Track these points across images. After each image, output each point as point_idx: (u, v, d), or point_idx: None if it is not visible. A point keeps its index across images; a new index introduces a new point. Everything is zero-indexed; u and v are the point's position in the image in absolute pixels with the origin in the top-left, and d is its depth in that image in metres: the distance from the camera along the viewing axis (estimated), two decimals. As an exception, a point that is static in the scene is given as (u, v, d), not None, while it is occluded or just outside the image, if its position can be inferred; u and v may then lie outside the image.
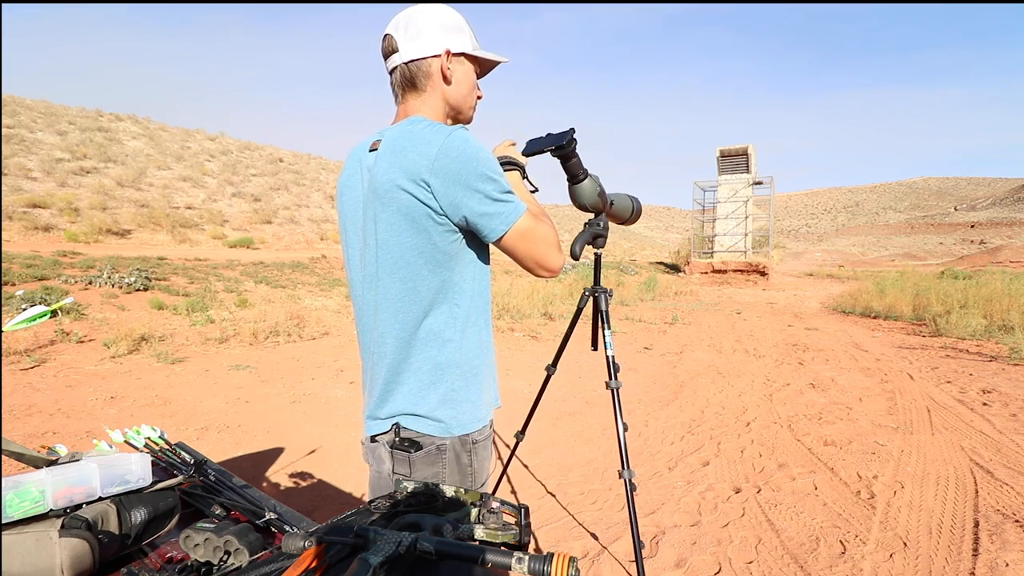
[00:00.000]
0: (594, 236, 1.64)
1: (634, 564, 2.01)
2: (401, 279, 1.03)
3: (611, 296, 1.89)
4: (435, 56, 1.08)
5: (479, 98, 1.21)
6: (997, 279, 13.21)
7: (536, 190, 1.25)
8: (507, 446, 3.53)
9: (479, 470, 1.12)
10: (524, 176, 1.23)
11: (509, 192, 1.01)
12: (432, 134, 0.99)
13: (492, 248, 1.13)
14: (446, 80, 1.10)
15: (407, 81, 1.10)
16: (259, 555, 0.77)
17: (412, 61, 1.08)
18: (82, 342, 5.79)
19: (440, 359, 1.05)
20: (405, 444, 1.06)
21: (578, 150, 1.41)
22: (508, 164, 1.20)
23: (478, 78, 1.19)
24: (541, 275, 1.09)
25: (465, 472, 1.10)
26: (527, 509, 0.69)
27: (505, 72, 1.19)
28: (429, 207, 0.98)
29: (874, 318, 10.74)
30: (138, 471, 0.86)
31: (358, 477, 3.03)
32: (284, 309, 7.98)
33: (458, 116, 1.17)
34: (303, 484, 2.95)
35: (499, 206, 0.99)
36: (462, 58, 1.11)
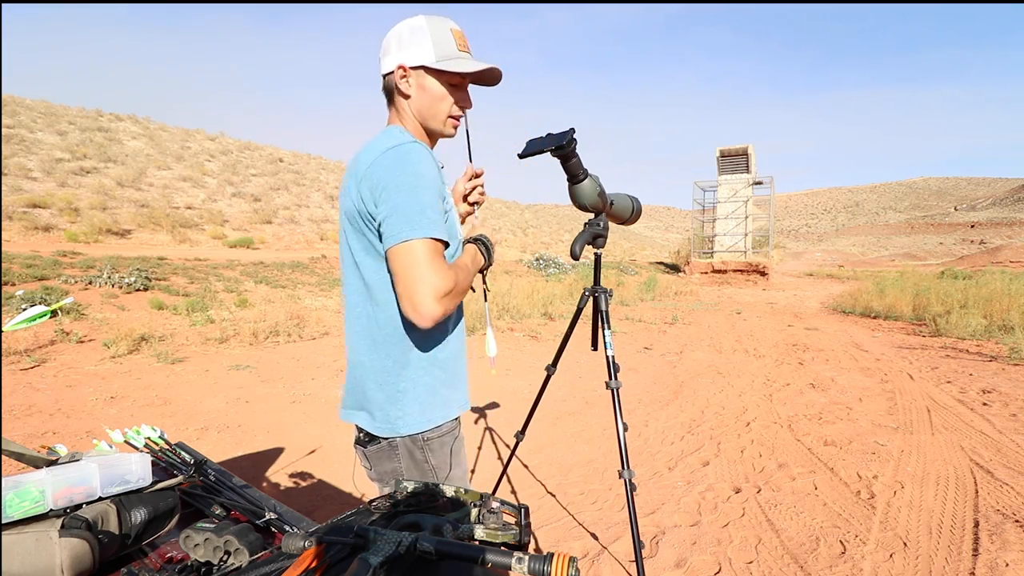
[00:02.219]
0: (594, 236, 1.64)
1: (634, 564, 2.01)
2: (357, 278, 1.11)
3: (611, 296, 1.89)
4: (392, 72, 1.13)
5: (464, 108, 1.18)
6: (997, 279, 13.20)
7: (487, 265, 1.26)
8: (507, 446, 3.53)
9: (439, 466, 1.16)
10: (485, 253, 1.23)
11: (423, 215, 0.98)
12: (382, 142, 1.06)
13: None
14: (403, 94, 1.14)
15: (385, 94, 1.18)
16: (259, 555, 0.77)
17: (384, 76, 1.15)
18: (82, 342, 5.79)
19: (389, 360, 1.10)
20: (363, 439, 1.15)
21: (578, 150, 1.41)
22: (473, 240, 1.24)
23: (462, 87, 1.16)
24: (407, 313, 1.00)
25: (423, 468, 1.15)
26: (527, 509, 0.69)
27: (506, 72, 1.18)
28: (364, 210, 1.04)
29: (874, 318, 10.74)
30: (138, 471, 0.86)
31: (358, 477, 3.03)
32: (284, 309, 7.98)
33: (427, 127, 1.17)
34: (303, 484, 2.95)
35: (399, 218, 0.98)
36: (422, 71, 1.11)
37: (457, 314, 1.19)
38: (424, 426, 1.12)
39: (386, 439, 1.12)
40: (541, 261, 19.98)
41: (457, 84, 1.15)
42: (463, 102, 1.17)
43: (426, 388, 1.13)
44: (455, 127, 1.20)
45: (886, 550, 2.30)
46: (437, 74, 1.12)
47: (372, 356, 1.11)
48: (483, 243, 1.23)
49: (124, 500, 0.81)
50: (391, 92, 1.16)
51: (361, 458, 1.19)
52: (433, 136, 1.21)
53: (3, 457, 0.88)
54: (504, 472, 2.63)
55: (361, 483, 2.96)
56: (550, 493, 2.89)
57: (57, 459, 0.89)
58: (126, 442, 1.18)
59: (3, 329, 0.99)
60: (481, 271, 1.23)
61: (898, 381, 5.33)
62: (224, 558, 0.76)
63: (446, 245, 1.04)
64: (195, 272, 10.17)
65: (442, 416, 1.15)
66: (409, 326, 1.09)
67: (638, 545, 1.63)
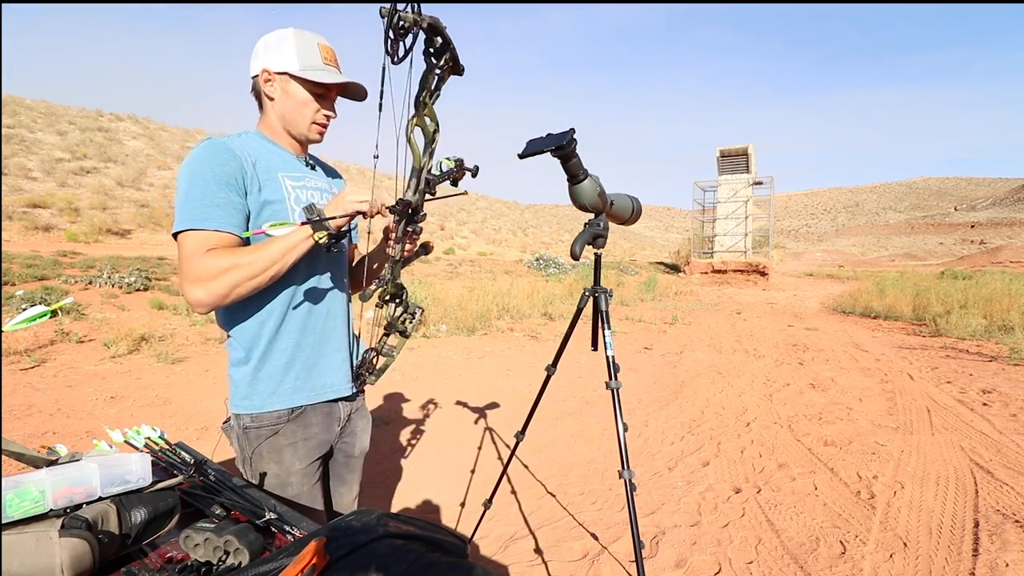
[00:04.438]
0: (594, 236, 1.64)
1: (634, 564, 2.01)
2: None
3: (611, 296, 1.89)
4: (257, 75, 1.20)
5: (329, 117, 1.26)
6: (997, 279, 13.21)
7: (329, 245, 1.07)
8: (507, 446, 3.52)
9: (255, 458, 1.21)
10: (320, 230, 1.04)
11: (186, 208, 1.08)
12: None
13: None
14: (268, 97, 1.22)
15: (254, 96, 1.25)
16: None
17: (252, 78, 1.21)
18: (82, 342, 5.79)
19: (227, 342, 1.23)
20: (227, 418, 1.25)
21: (578, 150, 1.41)
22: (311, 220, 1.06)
23: (327, 97, 1.23)
24: (187, 302, 1.12)
25: (243, 456, 1.23)
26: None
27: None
28: None
29: (874, 318, 10.74)
30: (138, 471, 0.86)
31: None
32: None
33: (291, 131, 1.25)
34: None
35: (177, 211, 1.09)
36: (287, 77, 1.18)
37: (284, 300, 1.19)
38: (246, 408, 1.20)
39: (231, 415, 1.24)
40: (541, 261, 19.98)
41: (322, 94, 1.22)
42: (328, 110, 1.25)
43: (245, 371, 1.20)
44: (320, 133, 1.26)
45: (886, 550, 2.30)
46: (302, 82, 1.19)
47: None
48: (310, 217, 1.05)
49: (124, 500, 0.81)
50: (258, 95, 1.23)
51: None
52: (299, 141, 1.27)
53: (3, 457, 0.88)
54: (504, 472, 2.63)
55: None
56: (550, 493, 2.89)
57: (57, 459, 0.89)
58: (126, 442, 1.18)
59: (3, 329, 0.99)
60: (314, 229, 1.05)
61: (898, 381, 5.33)
62: (223, 558, 0.76)
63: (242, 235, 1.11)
64: (195, 272, 10.18)
65: (262, 404, 1.20)
66: (238, 307, 1.17)
67: (638, 545, 1.63)
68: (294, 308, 1.22)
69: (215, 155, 1.11)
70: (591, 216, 1.62)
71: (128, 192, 17.49)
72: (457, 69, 1.00)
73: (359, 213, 1.09)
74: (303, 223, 1.05)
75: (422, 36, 0.93)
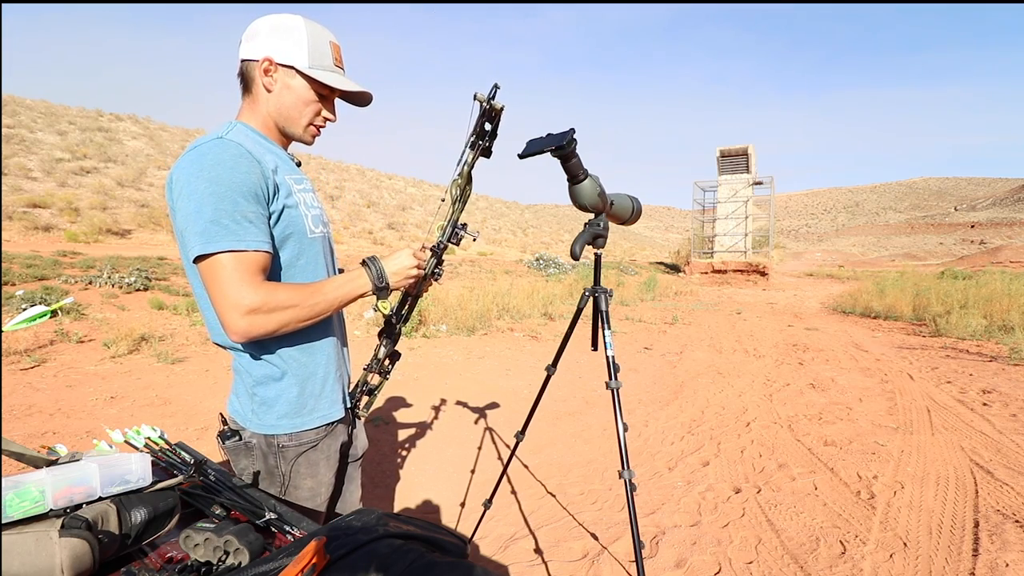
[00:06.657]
0: (594, 236, 1.64)
1: (634, 564, 2.01)
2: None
3: (611, 296, 1.89)
4: (256, 60, 1.07)
5: (328, 120, 1.17)
6: (997, 279, 13.19)
7: (387, 316, 1.23)
8: (507, 446, 3.52)
9: (293, 475, 1.14)
10: (384, 298, 1.15)
11: (215, 225, 0.94)
12: (201, 139, 1.02)
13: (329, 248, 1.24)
14: (266, 88, 1.09)
15: (241, 81, 1.12)
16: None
17: (243, 61, 1.09)
18: (82, 342, 5.79)
19: (244, 358, 1.13)
20: (226, 433, 1.17)
21: (578, 150, 1.41)
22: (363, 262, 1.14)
23: (329, 99, 1.15)
24: (225, 328, 0.98)
25: (274, 474, 1.13)
26: None
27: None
28: (173, 218, 1.03)
29: (874, 318, 10.74)
30: (138, 471, 0.86)
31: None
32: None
33: (284, 129, 1.14)
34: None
35: (192, 232, 0.95)
36: (292, 71, 1.08)
37: (324, 324, 1.16)
38: (284, 429, 1.12)
39: (244, 436, 1.14)
40: (541, 261, 19.98)
41: (325, 95, 1.13)
42: (330, 113, 1.16)
43: (277, 390, 1.12)
44: (314, 136, 1.17)
45: (886, 550, 2.30)
46: (309, 80, 1.09)
47: (241, 351, 1.13)
48: (370, 266, 1.12)
49: (124, 500, 0.81)
50: (249, 81, 1.10)
51: (224, 454, 1.19)
52: (289, 139, 1.18)
53: (3, 457, 0.88)
54: (504, 472, 2.63)
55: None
56: (550, 493, 2.89)
57: (57, 459, 0.89)
58: (126, 442, 1.18)
59: (3, 329, 0.99)
60: (378, 296, 1.15)
61: (898, 381, 5.33)
62: (224, 558, 0.76)
63: (270, 252, 1.01)
64: (195, 272, 10.17)
65: (304, 423, 1.14)
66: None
67: (638, 545, 1.63)
68: (329, 319, 1.17)
69: (238, 163, 0.97)
70: (591, 216, 1.62)
71: (128, 192, 17.50)
72: (487, 153, 1.21)
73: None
74: (374, 291, 1.12)
75: (482, 116, 1.17)
